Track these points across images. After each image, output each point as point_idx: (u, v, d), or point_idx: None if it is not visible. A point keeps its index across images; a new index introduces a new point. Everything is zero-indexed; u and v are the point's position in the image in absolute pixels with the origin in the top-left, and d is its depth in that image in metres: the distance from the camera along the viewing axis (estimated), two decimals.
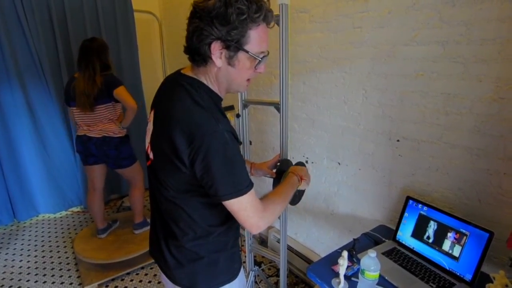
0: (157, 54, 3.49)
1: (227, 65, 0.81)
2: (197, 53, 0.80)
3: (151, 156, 0.89)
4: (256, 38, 0.78)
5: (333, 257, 1.27)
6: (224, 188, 0.78)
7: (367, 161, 1.64)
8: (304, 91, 1.89)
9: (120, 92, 2.10)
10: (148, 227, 2.47)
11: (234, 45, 0.77)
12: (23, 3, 2.44)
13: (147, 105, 3.25)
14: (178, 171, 0.80)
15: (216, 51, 0.78)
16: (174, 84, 0.85)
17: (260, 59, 0.82)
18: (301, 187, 1.13)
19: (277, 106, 1.39)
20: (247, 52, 0.79)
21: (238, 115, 1.52)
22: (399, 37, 1.38)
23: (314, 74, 1.80)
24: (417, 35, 1.32)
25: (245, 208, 0.81)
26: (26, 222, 3.04)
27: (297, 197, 1.24)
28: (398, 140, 1.48)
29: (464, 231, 1.17)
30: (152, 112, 0.90)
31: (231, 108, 1.54)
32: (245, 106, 1.55)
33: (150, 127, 0.89)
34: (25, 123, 2.72)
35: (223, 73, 0.82)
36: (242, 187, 0.79)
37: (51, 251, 2.59)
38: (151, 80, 3.37)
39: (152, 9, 3.28)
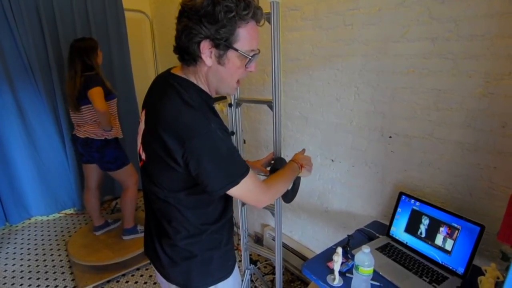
0: (149, 53, 3.46)
1: (217, 64, 0.80)
2: (187, 53, 0.79)
3: (143, 156, 0.89)
4: (245, 36, 0.78)
5: (328, 254, 1.28)
6: (220, 182, 0.79)
7: (360, 158, 1.65)
8: (296, 89, 1.90)
9: (92, 93, 2.03)
10: (137, 235, 2.43)
11: (223, 44, 0.77)
12: (11, 3, 2.40)
13: (139, 105, 3.22)
14: (172, 171, 0.80)
15: (206, 50, 0.77)
16: (164, 84, 0.84)
17: (250, 57, 0.81)
18: (301, 174, 1.15)
19: (270, 104, 1.39)
20: (236, 50, 0.78)
21: (230, 105, 1.52)
22: (389, 34, 1.39)
23: (306, 71, 1.81)
24: (407, 32, 1.32)
25: (247, 190, 0.84)
26: (18, 225, 3.00)
27: (290, 194, 1.24)
28: (390, 137, 1.49)
29: (456, 225, 1.19)
30: (144, 112, 0.89)
31: (223, 98, 1.53)
32: (238, 104, 1.55)
33: (142, 127, 0.89)
34: (15, 124, 2.68)
35: (213, 73, 0.82)
36: (238, 176, 0.80)
37: (44, 254, 2.56)
38: (143, 80, 3.34)
39: (142, 8, 3.25)
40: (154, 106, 0.83)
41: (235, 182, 0.80)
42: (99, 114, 2.05)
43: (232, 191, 0.81)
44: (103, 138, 2.17)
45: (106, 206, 3.27)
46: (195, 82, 0.84)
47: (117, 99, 2.28)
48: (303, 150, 1.28)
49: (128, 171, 2.36)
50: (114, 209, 3.16)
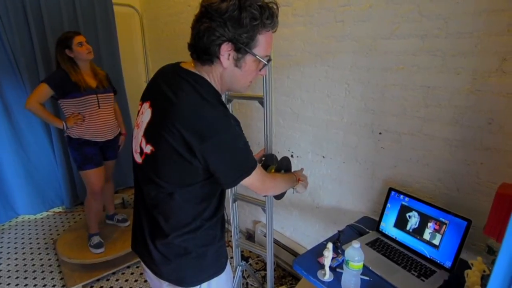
0: (139, 48, 3.41)
1: (234, 66, 0.83)
2: (206, 53, 0.81)
3: (147, 149, 0.85)
4: (263, 42, 0.82)
5: (319, 249, 1.29)
6: (235, 174, 0.84)
7: (351, 154, 1.66)
8: (288, 85, 1.90)
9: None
10: (90, 248, 2.24)
11: (243, 48, 0.80)
12: None
13: (129, 99, 3.17)
14: (187, 164, 0.80)
15: (225, 52, 0.80)
16: (177, 78, 0.84)
17: (266, 63, 0.86)
18: (297, 187, 1.21)
19: (261, 101, 1.39)
20: (254, 55, 0.82)
21: None
22: (380, 31, 1.39)
23: (298, 68, 1.81)
24: (397, 29, 1.33)
25: (257, 180, 0.89)
26: (5, 224, 2.94)
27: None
28: (380, 133, 1.50)
29: (443, 220, 1.21)
30: (148, 104, 0.87)
31: None
32: (229, 100, 1.54)
33: (144, 119, 0.86)
34: (0, 122, 2.62)
35: (228, 74, 0.85)
36: (250, 167, 0.85)
37: (32, 253, 2.52)
38: (133, 74, 3.30)
39: (132, 2, 3.19)
40: (167, 100, 0.81)
41: (248, 173, 0.85)
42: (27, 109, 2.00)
43: (243, 181, 0.86)
44: (65, 134, 2.13)
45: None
46: (208, 80, 0.85)
47: (92, 97, 2.08)
48: (302, 169, 1.32)
49: (86, 177, 2.18)
50: (124, 202, 3.17)
